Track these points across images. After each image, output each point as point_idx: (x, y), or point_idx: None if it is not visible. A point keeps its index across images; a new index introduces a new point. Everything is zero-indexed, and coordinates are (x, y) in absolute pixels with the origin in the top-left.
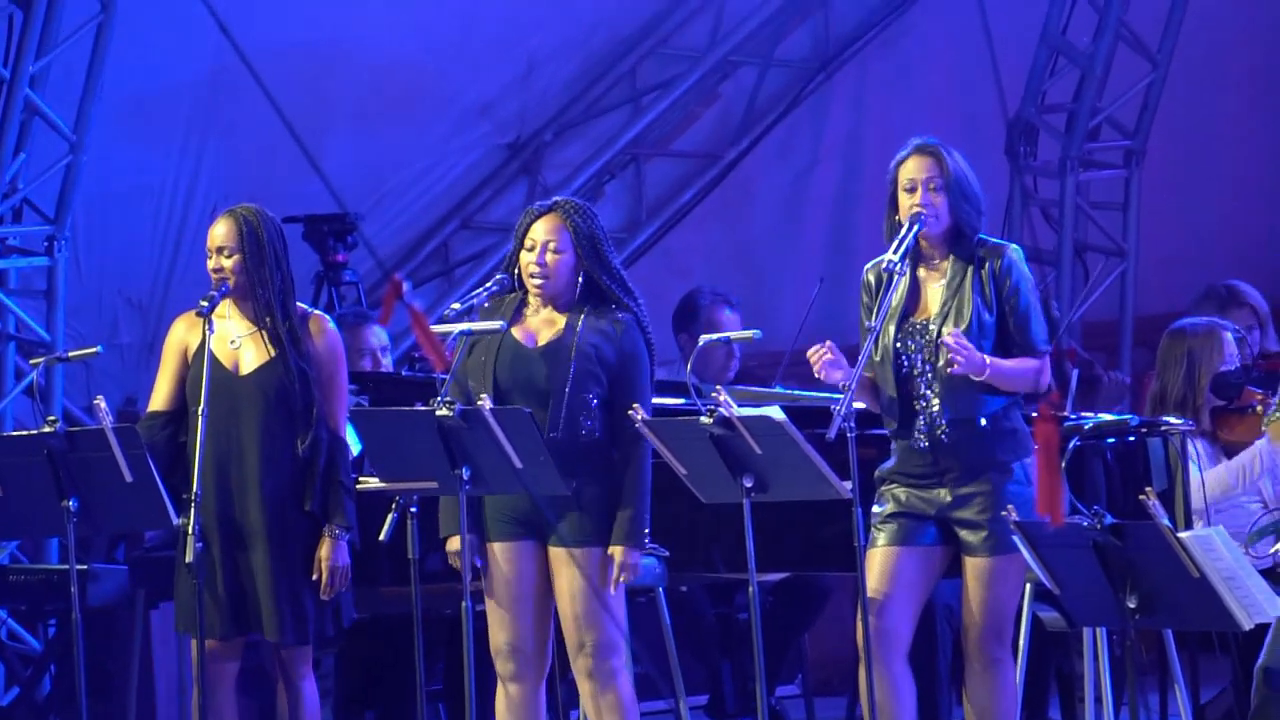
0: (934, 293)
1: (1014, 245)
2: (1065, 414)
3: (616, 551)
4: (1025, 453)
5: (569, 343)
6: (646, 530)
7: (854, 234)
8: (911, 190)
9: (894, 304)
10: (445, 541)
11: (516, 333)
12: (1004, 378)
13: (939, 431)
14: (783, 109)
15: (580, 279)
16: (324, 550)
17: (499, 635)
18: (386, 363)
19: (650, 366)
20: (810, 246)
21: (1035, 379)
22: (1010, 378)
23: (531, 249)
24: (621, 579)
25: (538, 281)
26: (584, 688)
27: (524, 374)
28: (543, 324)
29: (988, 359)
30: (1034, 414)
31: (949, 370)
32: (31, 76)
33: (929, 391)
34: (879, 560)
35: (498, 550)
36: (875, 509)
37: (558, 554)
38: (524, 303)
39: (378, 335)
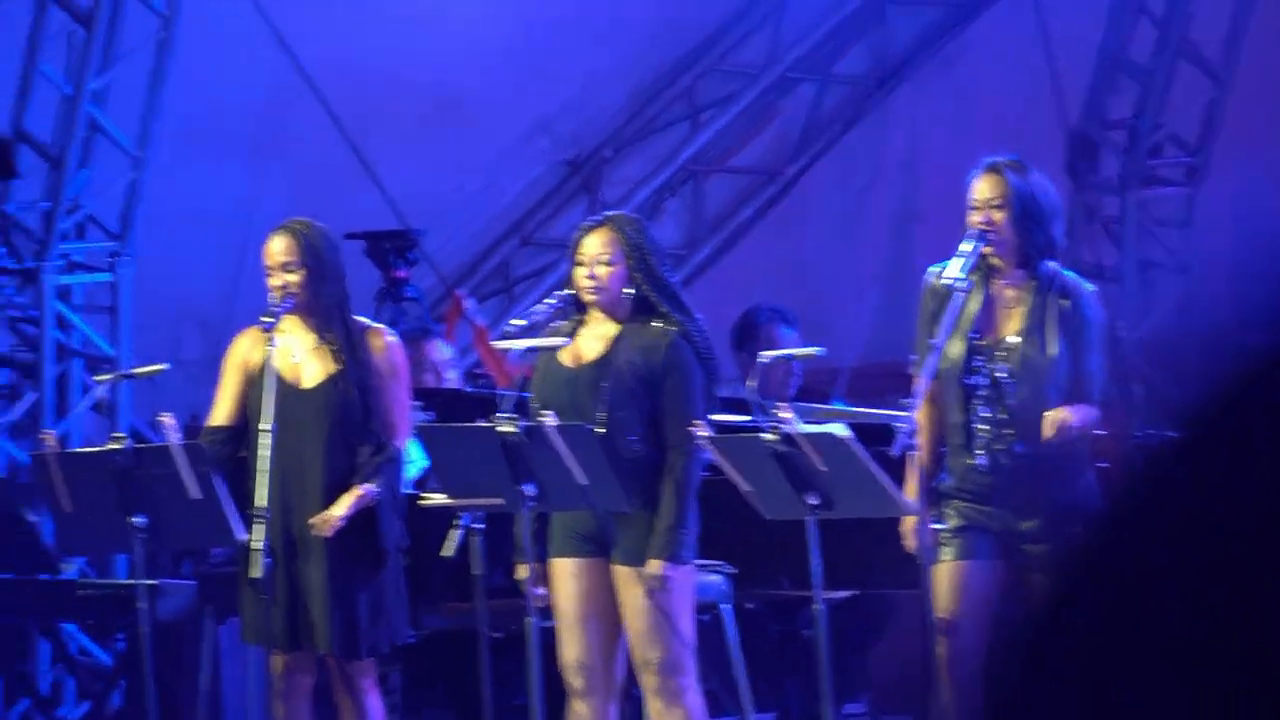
0: (1012, 316)
1: (1090, 286)
2: (1134, 433)
3: (649, 564)
4: (1084, 470)
5: (608, 361)
6: (684, 541)
7: (912, 251)
8: (976, 209)
9: (962, 321)
10: (515, 569)
11: (565, 352)
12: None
13: (998, 453)
14: (841, 126)
15: (631, 292)
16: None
17: (567, 651)
18: (450, 377)
19: (704, 379)
20: (868, 263)
21: (1092, 427)
22: (1082, 428)
23: (584, 264)
24: (655, 593)
25: (591, 295)
26: (651, 706)
27: (565, 395)
28: (593, 340)
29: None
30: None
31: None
32: (93, 93)
33: (992, 412)
34: (947, 576)
35: (564, 566)
36: (938, 525)
37: (621, 571)
38: (584, 321)
39: (440, 350)
